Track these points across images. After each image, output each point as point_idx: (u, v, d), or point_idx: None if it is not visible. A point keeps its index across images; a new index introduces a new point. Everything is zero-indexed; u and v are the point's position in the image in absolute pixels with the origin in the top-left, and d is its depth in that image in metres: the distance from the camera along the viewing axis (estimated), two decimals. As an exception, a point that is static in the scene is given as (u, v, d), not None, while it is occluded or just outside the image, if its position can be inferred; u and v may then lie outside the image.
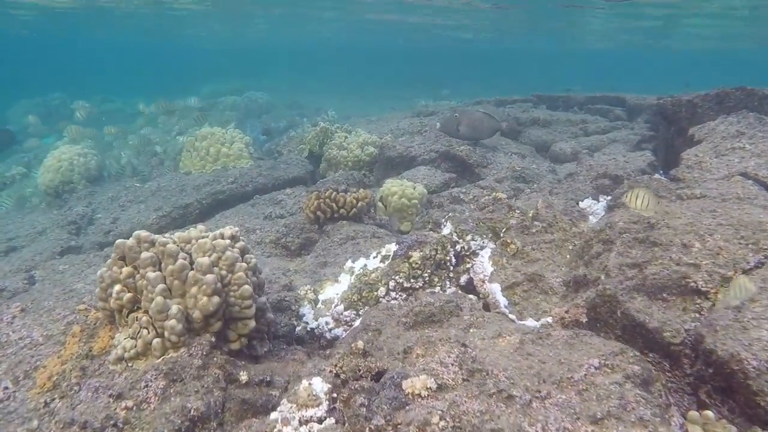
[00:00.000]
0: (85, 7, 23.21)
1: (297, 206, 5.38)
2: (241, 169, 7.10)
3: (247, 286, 2.47)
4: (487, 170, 5.80)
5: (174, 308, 2.31)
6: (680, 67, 42.35)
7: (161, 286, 2.35)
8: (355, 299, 3.31)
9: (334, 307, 3.39)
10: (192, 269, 2.40)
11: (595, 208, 4.09)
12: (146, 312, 2.39)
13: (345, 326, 3.30)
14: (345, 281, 3.63)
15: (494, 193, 4.90)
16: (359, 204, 4.37)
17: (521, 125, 8.25)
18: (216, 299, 2.36)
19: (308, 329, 3.38)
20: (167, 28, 30.00)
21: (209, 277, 2.35)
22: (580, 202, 4.14)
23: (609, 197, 4.11)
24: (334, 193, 4.34)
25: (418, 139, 6.45)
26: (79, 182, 7.74)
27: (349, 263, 3.75)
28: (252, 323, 2.51)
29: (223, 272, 2.48)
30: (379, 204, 5.17)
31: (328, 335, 3.31)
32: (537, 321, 2.88)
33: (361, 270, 3.49)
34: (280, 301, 3.38)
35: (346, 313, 3.29)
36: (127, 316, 2.45)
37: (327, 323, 3.33)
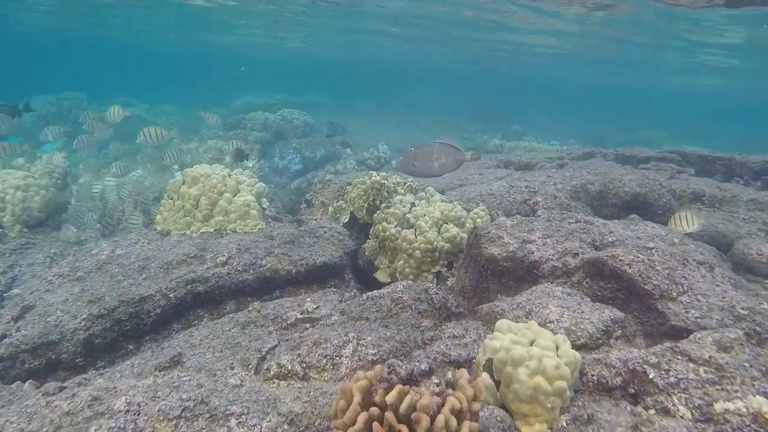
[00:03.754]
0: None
1: (322, 353, 2.94)
2: (243, 237, 4.74)
3: None
4: (680, 306, 3.26)
5: None
6: None
7: None
8: None
9: None
10: None
11: None
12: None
13: None
14: None
15: (748, 399, 2.38)
16: (464, 432, 1.89)
17: (678, 199, 5.70)
18: None
19: None
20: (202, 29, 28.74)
21: None
22: None
23: None
24: (408, 393, 1.90)
25: (538, 227, 3.95)
26: (11, 227, 5.54)
27: None
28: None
29: None
30: (485, 377, 2.68)
31: None
32: None
33: None
34: None
35: None
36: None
37: None
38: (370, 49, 30.93)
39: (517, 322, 3.19)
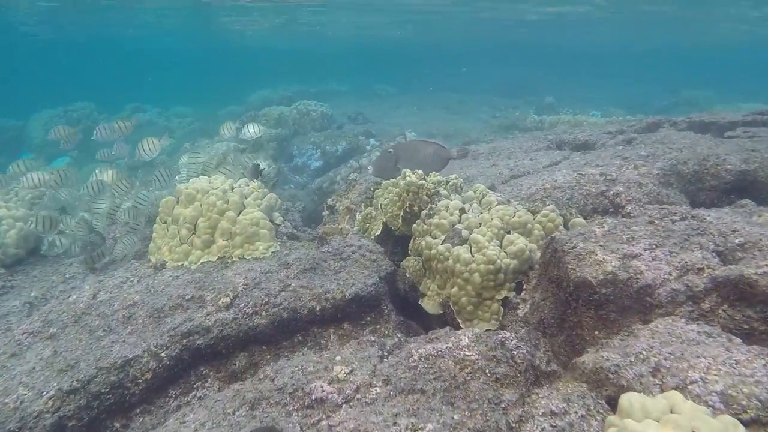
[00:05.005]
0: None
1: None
2: (253, 266, 3.84)
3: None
4: None
5: None
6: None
7: None
8: None
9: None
10: None
11: None
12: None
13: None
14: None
15: None
16: None
17: (789, 176, 4.61)
18: None
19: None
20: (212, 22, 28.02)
21: None
22: None
23: None
24: None
25: (640, 234, 2.94)
26: (-15, 269, 4.77)
27: None
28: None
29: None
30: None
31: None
32: None
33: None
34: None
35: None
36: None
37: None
38: (389, 30, 29.81)
39: (641, 382, 2.23)
